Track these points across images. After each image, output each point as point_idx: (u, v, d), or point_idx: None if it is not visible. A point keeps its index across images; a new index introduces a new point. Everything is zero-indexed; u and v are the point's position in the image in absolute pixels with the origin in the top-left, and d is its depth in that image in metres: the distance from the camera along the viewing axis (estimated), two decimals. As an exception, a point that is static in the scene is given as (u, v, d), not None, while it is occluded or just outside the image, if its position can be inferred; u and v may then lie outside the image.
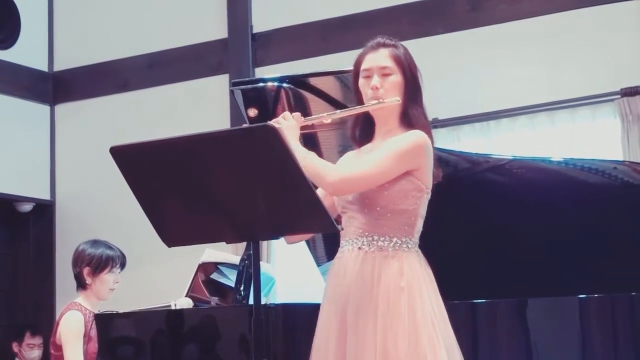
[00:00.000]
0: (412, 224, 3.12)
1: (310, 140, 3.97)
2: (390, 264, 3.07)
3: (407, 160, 3.09)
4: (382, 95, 3.16)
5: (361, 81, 3.22)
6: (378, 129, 3.23)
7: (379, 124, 3.23)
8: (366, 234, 3.13)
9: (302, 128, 3.23)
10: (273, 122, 3.15)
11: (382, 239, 3.11)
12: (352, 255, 3.14)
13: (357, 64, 3.25)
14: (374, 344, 3.00)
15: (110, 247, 4.63)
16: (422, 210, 3.14)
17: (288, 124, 3.16)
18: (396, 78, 3.17)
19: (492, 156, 4.15)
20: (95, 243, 4.64)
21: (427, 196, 3.15)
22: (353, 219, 3.17)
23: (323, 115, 3.32)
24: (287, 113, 3.21)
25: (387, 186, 3.09)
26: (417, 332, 2.99)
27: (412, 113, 3.17)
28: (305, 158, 3.09)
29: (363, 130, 3.28)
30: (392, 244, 3.10)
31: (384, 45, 3.22)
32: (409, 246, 3.11)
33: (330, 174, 3.09)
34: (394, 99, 3.15)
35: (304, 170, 3.06)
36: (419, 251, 3.14)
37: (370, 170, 3.09)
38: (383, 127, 3.21)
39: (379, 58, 3.20)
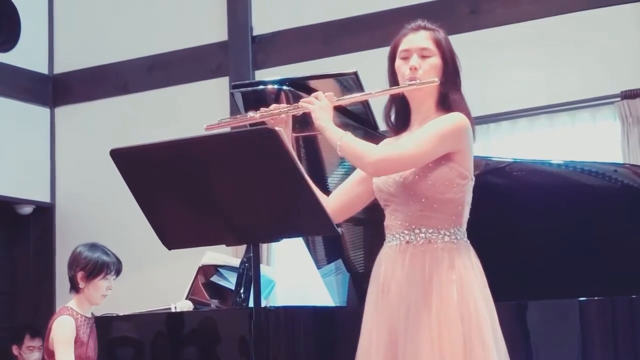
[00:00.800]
0: (460, 213, 3.05)
1: (310, 143, 3.97)
2: (441, 257, 3.01)
3: (448, 142, 3.02)
4: (421, 76, 3.10)
5: (398, 62, 3.16)
6: (414, 115, 3.17)
7: (415, 108, 3.17)
8: (413, 226, 3.06)
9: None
10: (305, 102, 3.15)
11: (429, 231, 3.03)
12: (400, 249, 3.07)
13: (395, 45, 3.19)
14: (430, 346, 2.94)
15: (106, 252, 4.62)
16: (468, 198, 3.07)
17: (321, 104, 3.11)
18: (435, 60, 3.12)
19: (492, 159, 4.14)
20: (93, 247, 4.62)
21: (472, 182, 3.08)
22: (397, 212, 3.10)
23: (357, 96, 3.26)
24: (320, 93, 3.16)
25: (429, 175, 3.03)
26: (470, 328, 2.93)
27: (452, 98, 3.12)
28: (341, 138, 3.05)
29: (398, 114, 3.21)
30: (441, 236, 3.03)
31: (425, 28, 3.18)
32: (458, 237, 3.04)
33: (370, 153, 3.02)
34: (431, 80, 3.09)
35: (341, 151, 3.05)
36: (468, 242, 3.08)
37: (410, 151, 3.01)
38: (420, 113, 3.15)
39: (419, 39, 3.15)
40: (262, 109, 3.18)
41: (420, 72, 3.11)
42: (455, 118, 3.06)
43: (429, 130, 3.04)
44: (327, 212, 2.90)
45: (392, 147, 3.08)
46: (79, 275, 4.53)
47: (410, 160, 3.02)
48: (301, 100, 3.19)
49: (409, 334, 2.99)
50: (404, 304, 3.02)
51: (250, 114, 3.22)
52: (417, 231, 3.06)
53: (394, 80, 3.18)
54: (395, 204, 3.11)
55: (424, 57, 3.13)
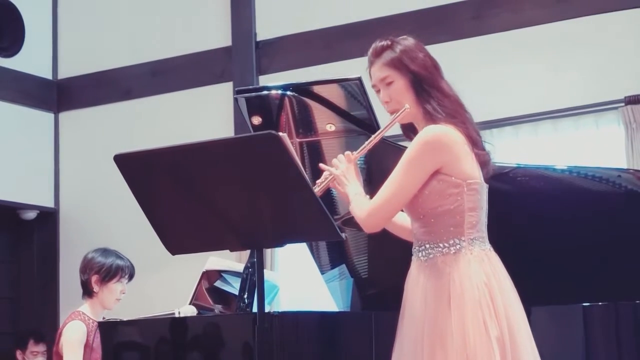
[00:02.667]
0: (459, 222, 3.01)
1: (314, 149, 3.98)
2: (438, 272, 3.00)
3: (422, 165, 3.01)
4: (393, 106, 3.13)
5: (378, 95, 3.19)
6: (418, 129, 3.18)
7: (415, 124, 3.18)
8: (419, 243, 3.08)
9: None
10: (329, 171, 3.18)
11: (430, 246, 3.03)
12: (415, 267, 3.09)
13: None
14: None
15: (120, 256, 4.64)
16: (471, 204, 3.02)
17: (342, 170, 3.15)
18: (398, 84, 3.11)
19: (496, 164, 4.13)
20: (105, 252, 4.65)
21: (474, 187, 3.02)
22: (413, 228, 3.13)
23: (365, 146, 3.22)
24: (340, 156, 3.18)
25: (420, 193, 3.02)
26: (465, 345, 2.90)
27: (427, 109, 3.09)
28: (350, 203, 3.09)
29: (411, 131, 3.22)
30: (440, 249, 3.01)
31: (377, 54, 3.15)
32: (458, 248, 3.00)
33: (360, 214, 3.06)
34: (402, 109, 3.10)
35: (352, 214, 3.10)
36: (476, 248, 3.01)
37: (390, 193, 3.03)
38: (418, 127, 3.15)
39: (375, 71, 3.16)
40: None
41: (392, 105, 3.13)
42: (421, 139, 3.04)
43: (400, 163, 3.05)
44: (330, 217, 2.91)
45: (374, 199, 3.07)
46: (94, 279, 4.55)
47: (393, 202, 3.04)
48: (326, 169, 3.20)
49: (402, 351, 3.01)
50: (409, 321, 3.04)
51: None
52: (421, 247, 3.07)
53: None
54: (411, 222, 3.15)
55: (388, 84, 3.13)
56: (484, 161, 3.13)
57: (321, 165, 3.24)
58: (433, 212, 3.03)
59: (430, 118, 3.09)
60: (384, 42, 3.16)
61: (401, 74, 3.11)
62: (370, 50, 3.19)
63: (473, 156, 3.08)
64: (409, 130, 3.23)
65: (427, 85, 3.12)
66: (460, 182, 3.03)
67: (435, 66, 3.17)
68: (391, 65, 3.12)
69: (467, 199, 3.03)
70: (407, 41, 3.17)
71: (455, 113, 3.09)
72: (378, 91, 3.18)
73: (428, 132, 3.04)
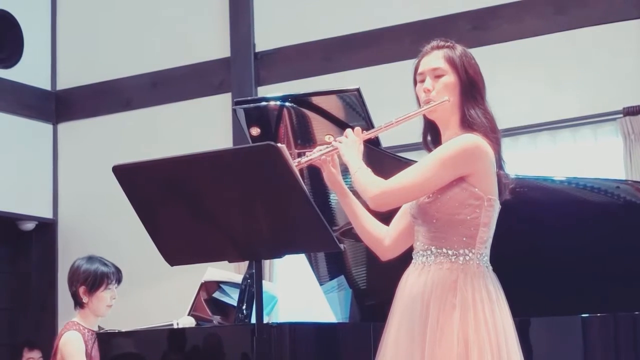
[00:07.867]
0: (472, 235, 3.02)
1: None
2: (446, 279, 2.99)
3: (453, 167, 3.00)
4: (433, 97, 3.09)
5: (417, 86, 3.16)
6: (442, 136, 3.15)
7: (441, 129, 3.15)
8: (426, 247, 3.06)
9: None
10: (336, 141, 3.17)
11: (439, 251, 3.02)
12: (415, 269, 3.07)
13: (414, 69, 3.19)
14: None
15: (105, 263, 4.62)
16: (486, 219, 3.03)
17: (347, 141, 3.14)
18: (449, 79, 3.10)
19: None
20: (90, 260, 4.63)
21: (492, 204, 3.04)
22: (418, 232, 3.11)
23: (381, 127, 3.21)
24: (348, 130, 3.18)
25: (439, 197, 3.02)
26: (467, 353, 2.91)
27: (470, 114, 3.09)
28: (355, 173, 3.06)
29: (433, 137, 3.20)
30: (450, 257, 3.01)
31: (438, 47, 3.16)
32: (467, 259, 3.01)
33: (371, 187, 3.01)
34: (442, 99, 3.08)
35: (354, 185, 3.07)
36: (483, 264, 3.04)
37: (411, 181, 3.01)
38: (446, 132, 3.14)
39: (432, 60, 3.14)
40: (304, 157, 3.17)
41: (434, 93, 3.10)
42: (460, 141, 3.03)
43: (433, 157, 3.03)
44: (329, 228, 2.90)
45: (392, 179, 3.05)
46: (81, 290, 4.54)
47: (411, 190, 3.03)
48: (334, 139, 3.20)
49: (398, 352, 3.00)
50: (406, 321, 3.03)
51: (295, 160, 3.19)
52: (428, 252, 3.06)
53: (420, 104, 3.17)
54: (416, 225, 3.13)
55: (437, 77, 3.12)
56: (505, 183, 3.13)
57: (336, 139, 3.22)
58: (449, 218, 3.02)
59: (469, 125, 3.09)
60: (445, 42, 3.19)
61: (455, 72, 3.12)
62: (429, 44, 3.20)
63: (495, 176, 3.09)
64: (431, 132, 3.21)
65: (476, 93, 3.14)
66: (481, 195, 3.03)
67: (484, 83, 3.19)
68: (448, 61, 3.13)
69: (484, 214, 3.04)
70: (466, 50, 3.19)
71: (494, 129, 3.12)
72: (422, 80, 3.15)
73: (469, 139, 3.04)
